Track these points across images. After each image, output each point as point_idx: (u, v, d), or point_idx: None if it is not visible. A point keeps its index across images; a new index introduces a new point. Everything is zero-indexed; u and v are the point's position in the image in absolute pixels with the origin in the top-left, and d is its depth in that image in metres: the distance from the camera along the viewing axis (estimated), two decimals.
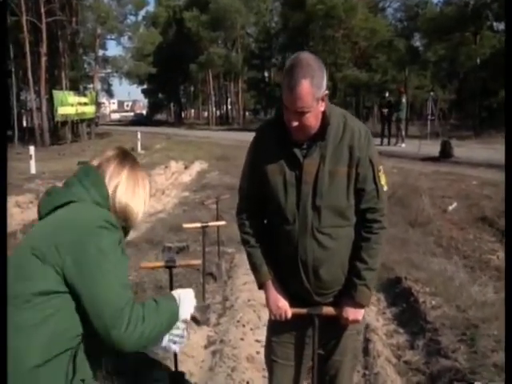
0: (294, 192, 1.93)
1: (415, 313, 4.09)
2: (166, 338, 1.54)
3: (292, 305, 2.05)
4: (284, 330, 2.12)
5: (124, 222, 1.52)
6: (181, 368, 3.06)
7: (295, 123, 1.86)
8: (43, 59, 27.31)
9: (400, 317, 4.22)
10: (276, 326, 2.12)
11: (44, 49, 27.17)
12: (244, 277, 5.17)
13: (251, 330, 4.03)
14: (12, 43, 26.97)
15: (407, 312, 4.22)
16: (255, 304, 4.44)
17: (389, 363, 3.39)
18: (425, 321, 3.86)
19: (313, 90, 1.81)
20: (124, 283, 1.35)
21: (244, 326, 4.08)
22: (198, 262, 3.98)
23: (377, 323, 4.08)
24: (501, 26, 29.71)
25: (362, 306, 2.02)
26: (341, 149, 1.93)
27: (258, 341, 3.80)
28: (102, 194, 1.47)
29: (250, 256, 2.09)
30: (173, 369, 2.85)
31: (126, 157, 1.59)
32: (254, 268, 2.08)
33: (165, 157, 16.14)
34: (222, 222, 5.01)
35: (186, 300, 1.52)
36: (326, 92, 1.90)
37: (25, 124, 33.93)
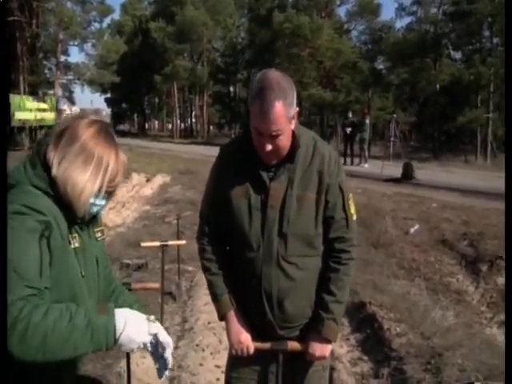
0: (259, 217, 1.83)
1: (380, 340, 4.04)
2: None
3: (254, 338, 1.94)
4: (245, 366, 2.00)
5: (69, 202, 1.38)
6: None
7: (269, 147, 1.76)
8: None
9: (364, 343, 4.16)
10: (237, 361, 2.00)
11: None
12: (204, 297, 4.99)
13: (211, 354, 3.89)
14: None
15: (371, 338, 4.16)
16: (215, 326, 4.30)
17: None
18: (389, 348, 3.81)
19: (286, 111, 1.73)
20: (22, 276, 1.19)
21: (203, 350, 3.95)
22: (156, 285, 3.86)
23: (341, 350, 4.00)
24: (457, 55, 31.17)
25: (329, 342, 1.93)
26: (310, 173, 1.85)
27: (218, 366, 3.68)
28: (38, 174, 1.37)
29: (210, 284, 1.97)
30: None
31: (89, 126, 1.44)
32: (215, 298, 1.96)
33: (126, 169, 15.72)
34: (182, 242, 4.85)
35: (131, 329, 1.27)
36: (297, 109, 1.82)
37: None
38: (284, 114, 1.72)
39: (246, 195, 1.84)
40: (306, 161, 1.86)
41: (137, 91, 50.65)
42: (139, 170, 14.99)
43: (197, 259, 6.02)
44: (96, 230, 1.57)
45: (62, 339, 1.16)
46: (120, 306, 1.38)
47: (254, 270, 1.86)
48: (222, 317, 1.96)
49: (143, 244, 4.57)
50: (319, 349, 1.91)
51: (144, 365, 3.68)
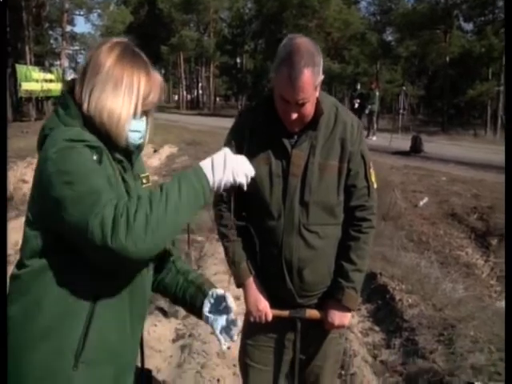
0: (280, 184, 1.80)
1: (391, 311, 4.01)
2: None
3: (272, 306, 1.92)
4: (262, 333, 1.99)
5: (108, 132, 1.31)
6: (147, 363, 2.87)
7: (294, 115, 1.72)
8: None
9: (375, 314, 4.14)
10: (253, 328, 1.99)
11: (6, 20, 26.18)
12: (213, 267, 5.03)
13: None
14: None
15: (383, 309, 4.13)
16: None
17: (365, 363, 3.29)
18: (401, 319, 3.78)
19: (314, 79, 1.68)
20: (96, 190, 1.17)
21: None
22: None
23: (352, 320, 3.97)
24: (469, 27, 30.44)
25: (348, 310, 1.91)
26: (332, 141, 1.81)
27: None
28: (70, 113, 1.31)
29: (228, 251, 1.94)
30: (139, 364, 2.71)
31: (111, 50, 1.35)
32: (233, 264, 1.93)
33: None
34: None
35: (228, 162, 1.25)
36: (322, 77, 1.76)
37: None
38: (312, 81, 1.68)
39: (267, 161, 1.80)
40: (329, 128, 1.82)
41: None
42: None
43: (205, 229, 6.22)
44: (142, 175, 1.50)
45: (162, 213, 1.14)
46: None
47: (274, 239, 1.83)
48: (240, 284, 1.94)
49: None
50: (338, 317, 1.89)
51: (155, 333, 3.69)
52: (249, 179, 1.26)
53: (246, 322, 2.02)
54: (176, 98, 55.75)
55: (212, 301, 1.43)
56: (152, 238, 1.12)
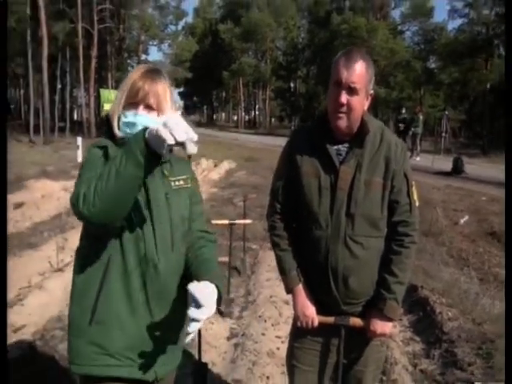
0: (328, 197, 1.77)
1: (431, 322, 3.84)
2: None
3: (319, 312, 1.88)
4: (308, 337, 1.94)
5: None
6: (204, 357, 2.90)
7: (344, 98, 1.69)
8: (93, 61, 28.00)
9: (416, 325, 3.97)
10: (300, 332, 1.95)
11: (95, 52, 27.97)
12: (267, 273, 4.98)
13: (272, 325, 3.83)
14: (68, 47, 27.57)
15: (423, 321, 3.96)
16: (277, 300, 4.24)
17: (406, 371, 3.16)
18: (441, 331, 3.61)
19: (367, 75, 1.71)
20: (84, 174, 1.32)
21: (265, 321, 3.89)
22: (224, 259, 3.95)
23: (394, 329, 3.84)
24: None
25: (390, 320, 1.84)
26: (377, 159, 1.77)
27: (278, 337, 3.63)
28: (103, 129, 1.50)
29: (279, 260, 1.91)
30: (196, 357, 2.69)
31: (137, 70, 1.50)
32: (283, 272, 1.90)
33: (196, 154, 15.39)
34: (249, 221, 4.92)
35: (169, 122, 1.17)
36: (372, 92, 1.77)
37: (75, 117, 34.50)
38: (365, 74, 1.69)
39: (317, 175, 1.79)
40: (374, 147, 1.79)
41: (206, 86, 51.29)
42: (208, 156, 15.13)
43: (260, 238, 6.25)
44: (180, 177, 1.53)
45: (105, 180, 1.22)
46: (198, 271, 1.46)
47: (321, 248, 1.79)
48: (290, 290, 1.90)
49: (214, 221, 4.55)
50: (380, 326, 1.83)
51: (212, 330, 3.71)
52: (190, 137, 1.17)
53: (294, 325, 1.99)
54: (235, 118, 56.45)
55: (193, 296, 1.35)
56: (100, 203, 1.20)
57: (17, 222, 7.08)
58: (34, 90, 25.29)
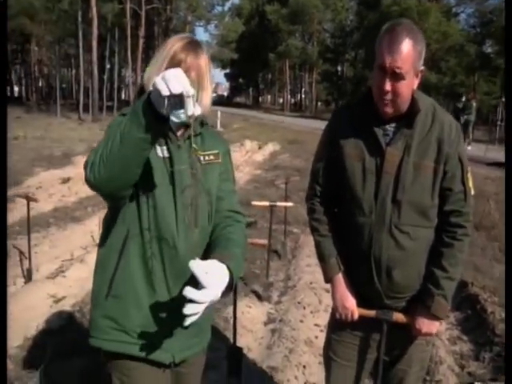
0: (373, 181, 1.65)
1: (482, 322, 3.58)
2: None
3: (360, 304, 1.77)
4: (347, 329, 1.84)
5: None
6: (239, 341, 2.96)
7: (388, 86, 1.53)
8: (141, 41, 28.67)
9: (464, 323, 3.72)
10: (339, 324, 1.85)
11: (142, 32, 28.70)
12: (307, 259, 4.88)
13: (311, 313, 3.73)
14: (117, 27, 28.36)
15: (472, 319, 3.70)
16: (317, 287, 4.14)
17: (451, 372, 2.96)
18: (493, 333, 3.35)
19: (414, 54, 1.52)
20: (100, 142, 1.25)
21: (304, 308, 3.79)
22: (264, 242, 3.94)
23: (440, 326, 3.62)
24: None
25: (437, 319, 1.69)
26: (428, 141, 1.62)
27: (317, 325, 3.54)
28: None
29: (318, 245, 1.81)
30: (231, 341, 2.71)
31: (174, 38, 1.43)
32: (323, 259, 1.80)
33: (241, 136, 16.08)
34: (290, 204, 4.81)
35: (166, 75, 1.10)
36: (422, 68, 1.58)
37: (123, 96, 35.52)
38: (412, 54, 1.51)
39: (361, 157, 1.66)
40: (425, 127, 1.63)
41: (252, 68, 51.24)
42: (252, 138, 15.29)
43: (301, 222, 6.17)
44: (208, 152, 1.46)
45: (110, 146, 1.18)
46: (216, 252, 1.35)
47: (364, 236, 1.68)
48: (329, 279, 1.80)
49: (254, 203, 4.49)
50: (426, 325, 1.69)
51: (249, 314, 3.67)
52: (186, 90, 1.08)
53: (333, 316, 1.90)
54: (281, 100, 56.32)
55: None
56: (105, 169, 1.17)
57: (63, 196, 7.38)
58: (84, 69, 26.09)
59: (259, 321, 3.65)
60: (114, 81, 30.35)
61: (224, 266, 1.25)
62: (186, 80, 1.09)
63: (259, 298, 3.96)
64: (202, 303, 1.16)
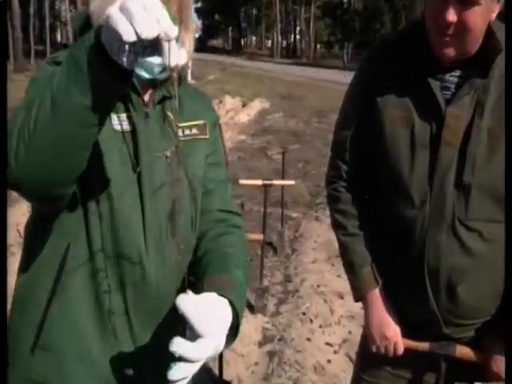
0: (426, 157, 1.53)
1: None
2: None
3: (406, 334, 1.67)
4: (385, 369, 1.73)
5: None
6: (227, 371, 2.91)
7: (451, 16, 1.38)
8: None
9: None
10: (373, 360, 1.75)
11: None
12: (312, 252, 4.90)
13: (321, 327, 3.72)
14: None
15: None
16: (326, 292, 4.14)
17: None
18: None
19: None
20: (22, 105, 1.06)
21: (311, 321, 3.79)
22: (257, 236, 4.11)
23: None
24: None
25: None
26: None
27: (329, 344, 3.52)
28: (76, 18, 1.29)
29: (345, 249, 1.73)
30: (216, 372, 2.62)
31: None
32: (352, 268, 1.72)
33: (219, 90, 16.24)
34: (291, 182, 4.86)
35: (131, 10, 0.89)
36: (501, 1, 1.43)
37: (59, 38, 35.04)
38: None
39: (408, 122, 1.55)
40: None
41: (232, 0, 50.85)
42: (234, 93, 15.43)
43: (303, 204, 6.15)
44: (189, 123, 1.32)
45: (38, 109, 0.98)
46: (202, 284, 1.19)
47: (413, 236, 1.57)
48: (360, 297, 1.71)
49: (242, 181, 4.41)
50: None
51: (239, 332, 3.59)
52: (164, 29, 0.88)
53: (364, 349, 1.80)
54: (269, 43, 56.50)
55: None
56: (28, 155, 0.98)
57: None
58: None
59: (252, 341, 3.61)
60: (45, 16, 29.50)
61: (225, 301, 1.10)
62: (164, 14, 0.88)
63: (251, 309, 3.94)
64: (196, 361, 1.00)
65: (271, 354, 3.44)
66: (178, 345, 0.99)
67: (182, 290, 1.25)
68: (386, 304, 1.68)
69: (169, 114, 1.27)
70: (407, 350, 1.67)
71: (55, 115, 0.97)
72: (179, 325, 1.20)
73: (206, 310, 1.03)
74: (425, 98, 1.53)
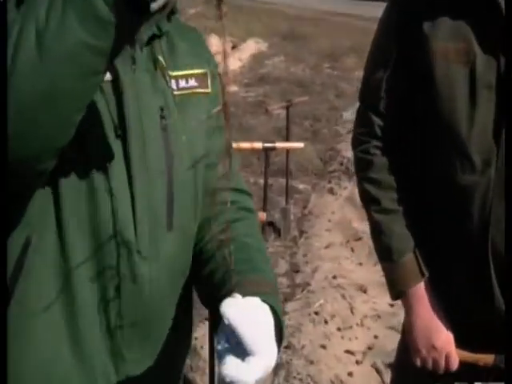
0: (491, 104, 1.56)
1: None
2: None
3: (461, 342, 1.67)
4: None
5: None
6: None
7: None
8: None
9: None
10: (417, 375, 1.75)
11: None
12: (326, 234, 5.00)
13: (339, 330, 3.76)
14: None
15: None
16: (345, 284, 4.18)
17: None
18: None
19: None
20: None
21: (327, 322, 3.80)
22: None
23: None
24: None
25: None
26: None
27: (350, 352, 3.57)
28: None
29: (379, 230, 1.74)
30: None
31: None
32: (388, 256, 1.72)
33: (202, 28, 16.03)
34: (299, 145, 4.84)
35: None
36: None
37: None
38: None
39: (467, 57, 1.56)
40: None
41: None
42: (221, 32, 15.16)
43: (313, 173, 6.16)
44: (185, 71, 1.31)
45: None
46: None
47: (472, 210, 1.59)
48: (400, 292, 1.73)
49: (237, 144, 4.39)
50: None
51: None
52: None
53: (403, 361, 1.85)
54: None
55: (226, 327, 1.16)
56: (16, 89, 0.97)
57: None
58: None
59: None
60: None
61: (267, 308, 1.12)
62: None
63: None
64: None
65: (276, 367, 3.30)
66: (232, 366, 1.01)
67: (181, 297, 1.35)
68: (434, 303, 1.69)
69: (160, 58, 1.24)
70: (463, 364, 1.68)
71: (42, 58, 0.96)
72: (179, 335, 1.33)
73: (256, 321, 1.06)
74: (487, 25, 1.53)
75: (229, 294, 1.16)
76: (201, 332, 3.43)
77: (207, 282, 1.33)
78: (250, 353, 1.03)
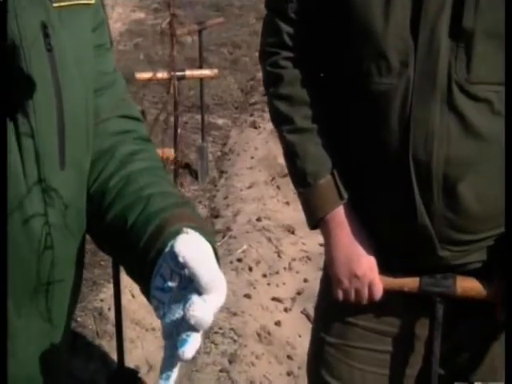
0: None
1: None
2: None
3: (385, 268, 1.72)
4: (358, 322, 1.81)
5: None
6: (132, 352, 3.19)
7: None
8: None
9: None
10: (341, 312, 1.81)
11: None
12: (248, 173, 5.06)
13: (264, 277, 3.83)
14: None
15: None
16: (270, 226, 4.26)
17: None
18: None
19: None
20: None
21: (251, 269, 3.88)
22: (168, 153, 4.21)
23: None
24: None
25: None
26: None
27: (277, 300, 3.66)
28: None
29: (292, 152, 1.77)
30: (114, 359, 2.93)
31: None
32: (303, 180, 1.75)
33: None
34: (213, 71, 4.93)
35: None
36: None
37: None
38: None
39: None
40: None
41: None
42: None
43: (232, 105, 6.21)
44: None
45: None
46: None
47: (390, 116, 1.61)
48: (318, 219, 1.75)
49: (140, 75, 4.48)
50: None
51: (145, 301, 3.66)
52: None
53: (325, 299, 1.90)
54: None
55: (170, 263, 1.12)
56: None
57: None
58: None
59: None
60: None
61: (206, 242, 1.12)
62: None
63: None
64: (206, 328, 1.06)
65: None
66: (199, 306, 1.02)
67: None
68: (355, 228, 1.71)
69: None
70: (388, 292, 1.71)
71: None
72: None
73: (209, 258, 1.05)
74: None
75: (157, 233, 1.16)
76: (109, 293, 3.43)
77: (116, 225, 1.28)
78: (204, 291, 1.03)
